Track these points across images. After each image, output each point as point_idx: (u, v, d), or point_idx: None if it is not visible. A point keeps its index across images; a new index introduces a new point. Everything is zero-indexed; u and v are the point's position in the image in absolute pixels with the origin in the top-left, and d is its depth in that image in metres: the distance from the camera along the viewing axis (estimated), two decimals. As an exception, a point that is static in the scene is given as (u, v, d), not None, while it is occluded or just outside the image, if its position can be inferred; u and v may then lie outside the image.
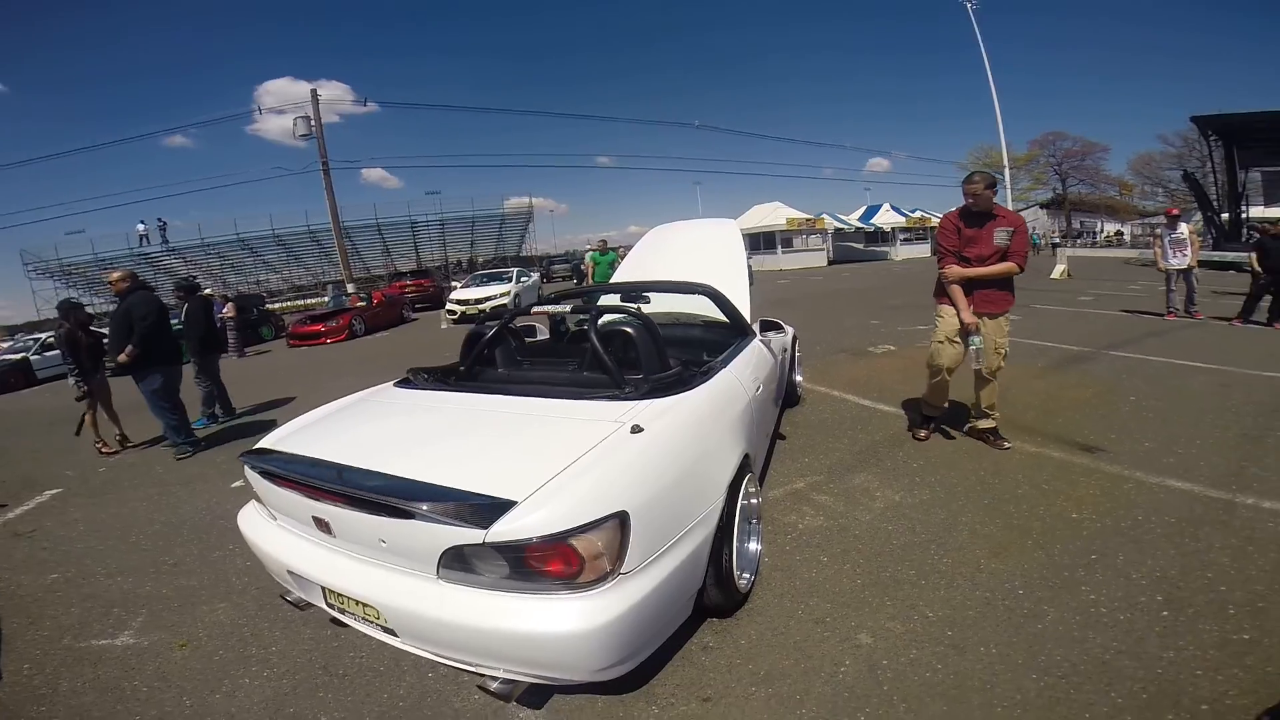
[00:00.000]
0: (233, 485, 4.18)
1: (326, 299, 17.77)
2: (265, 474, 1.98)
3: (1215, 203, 21.16)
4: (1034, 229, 23.67)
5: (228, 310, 11.65)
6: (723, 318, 3.46)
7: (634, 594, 1.57)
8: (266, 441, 2.20)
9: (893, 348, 7.57)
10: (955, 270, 3.59)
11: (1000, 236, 3.48)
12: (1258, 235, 8.97)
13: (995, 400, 3.81)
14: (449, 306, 14.67)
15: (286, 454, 2.05)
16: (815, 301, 14.12)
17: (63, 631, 2.60)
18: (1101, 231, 44.86)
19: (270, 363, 11.18)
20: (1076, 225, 43.81)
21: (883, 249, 32.50)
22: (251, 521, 2.18)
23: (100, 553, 3.38)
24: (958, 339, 3.67)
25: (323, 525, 1.80)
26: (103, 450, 5.40)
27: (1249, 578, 2.36)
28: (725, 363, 2.71)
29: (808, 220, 27.97)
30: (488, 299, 14.42)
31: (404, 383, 2.71)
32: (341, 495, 1.70)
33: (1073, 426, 4.27)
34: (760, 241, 26.93)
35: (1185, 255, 8.70)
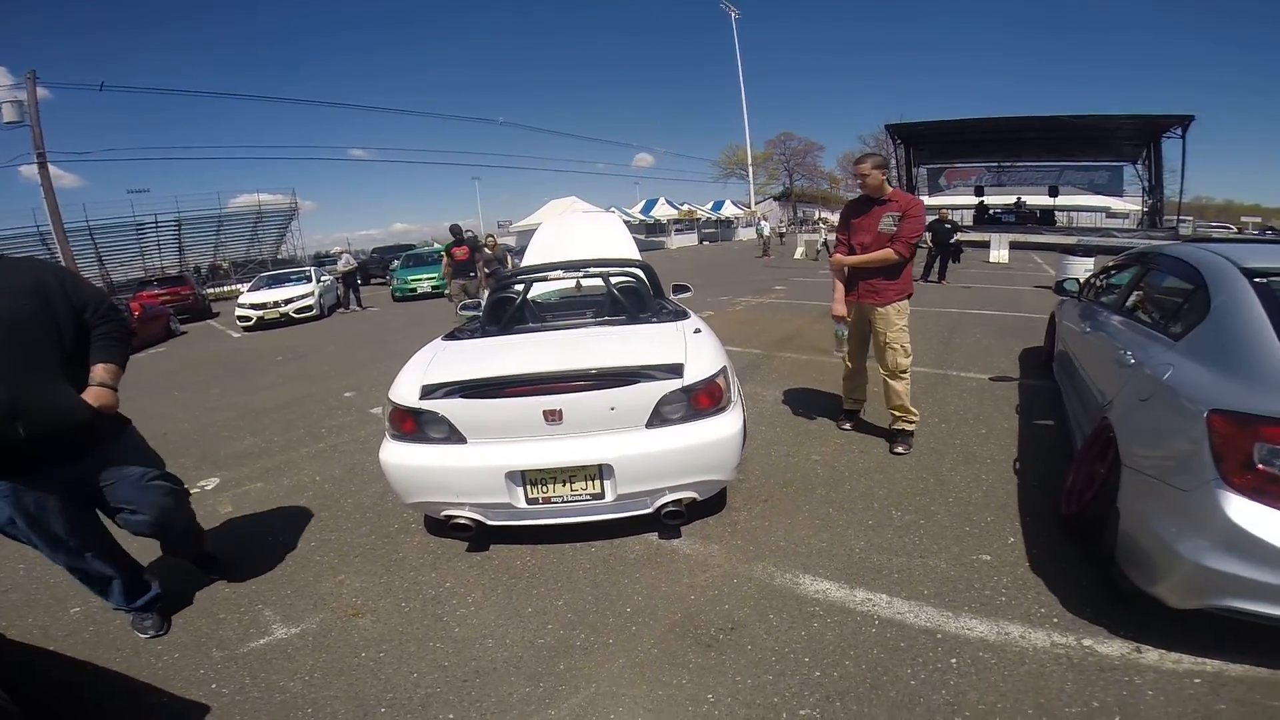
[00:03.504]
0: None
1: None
2: (477, 394, 2.39)
3: (895, 194, 28.27)
4: (763, 219, 28.62)
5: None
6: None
7: (740, 412, 2.62)
8: (426, 379, 2.49)
9: (712, 313, 9.45)
10: (836, 259, 3.54)
11: (886, 222, 3.30)
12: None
13: (904, 402, 3.53)
14: (241, 313, 13.04)
15: (482, 377, 2.46)
16: (626, 285, 15.91)
17: (194, 648, 2.27)
18: (818, 220, 55.25)
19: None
20: (800, 215, 53.32)
21: (660, 239, 36.19)
22: (425, 454, 2.44)
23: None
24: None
25: (553, 415, 2.35)
26: None
27: (968, 406, 4.41)
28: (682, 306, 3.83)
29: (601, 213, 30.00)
30: (289, 300, 13.20)
31: (453, 336, 3.24)
32: (586, 379, 2.37)
33: (853, 348, 6.37)
34: (557, 233, 28.04)
35: None
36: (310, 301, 13.50)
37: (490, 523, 2.56)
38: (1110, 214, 29.45)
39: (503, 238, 28.79)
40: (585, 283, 4.38)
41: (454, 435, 2.46)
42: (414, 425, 2.49)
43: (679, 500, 2.54)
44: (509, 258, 9.28)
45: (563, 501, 2.47)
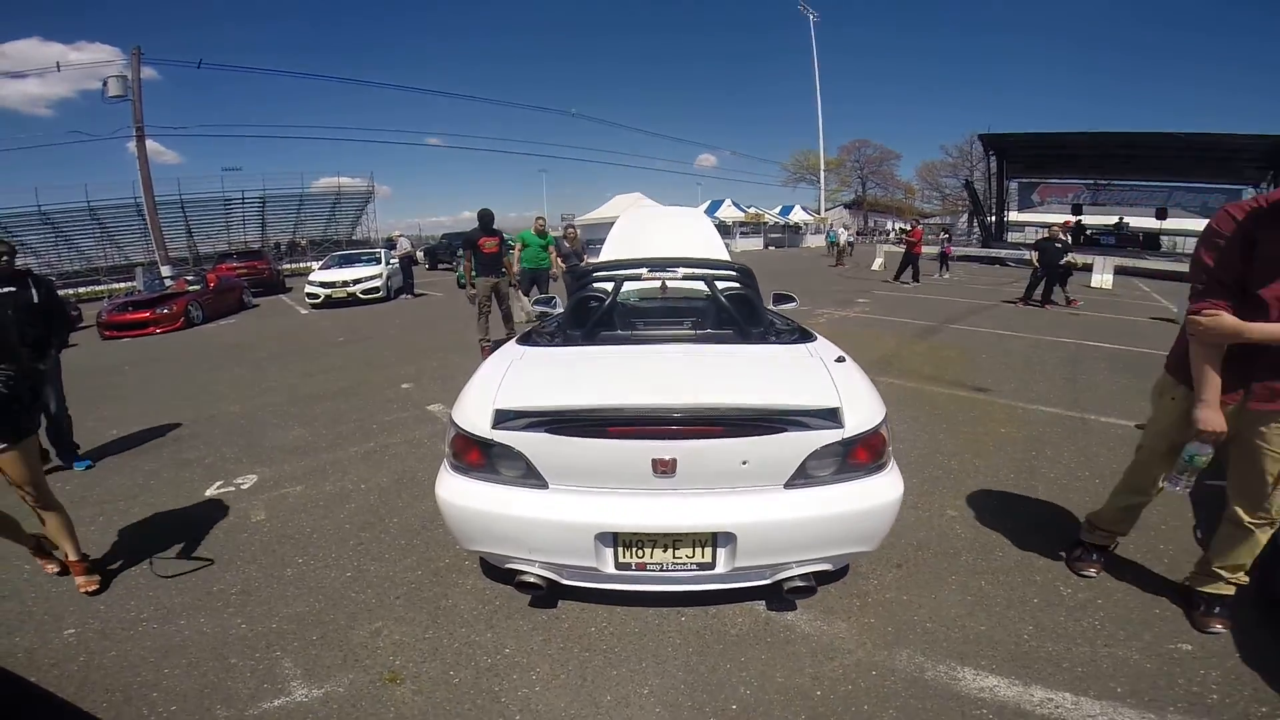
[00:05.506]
0: (208, 493, 3.40)
1: (135, 283, 14.83)
2: (568, 430, 1.84)
3: (986, 207, 26.65)
4: (842, 226, 27.49)
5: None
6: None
7: (899, 471, 2.06)
8: (501, 402, 1.95)
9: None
10: (1226, 323, 1.82)
11: None
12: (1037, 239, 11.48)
13: (1249, 560, 2.11)
14: (310, 290, 13.24)
15: (577, 407, 1.91)
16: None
17: (197, 700, 1.87)
18: (891, 230, 52.90)
19: (89, 361, 8.39)
20: (871, 224, 51.13)
21: (724, 241, 35.26)
22: (494, 496, 1.92)
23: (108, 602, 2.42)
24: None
25: (664, 466, 1.83)
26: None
27: (1120, 459, 3.45)
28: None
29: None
30: (358, 281, 13.29)
31: (530, 340, 2.72)
32: (715, 424, 1.82)
33: (959, 375, 5.60)
34: (623, 230, 27.70)
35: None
36: (377, 283, 13.52)
37: (564, 582, 2.06)
38: (1222, 241, 26.70)
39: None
40: (671, 284, 3.84)
41: (531, 476, 1.94)
42: (482, 458, 1.98)
43: (807, 574, 1.99)
44: (586, 254, 8.48)
45: (660, 570, 1.93)
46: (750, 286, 3.03)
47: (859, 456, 1.93)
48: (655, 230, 4.93)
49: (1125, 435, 4.06)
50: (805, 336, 2.66)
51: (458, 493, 1.98)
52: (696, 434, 1.84)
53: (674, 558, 1.91)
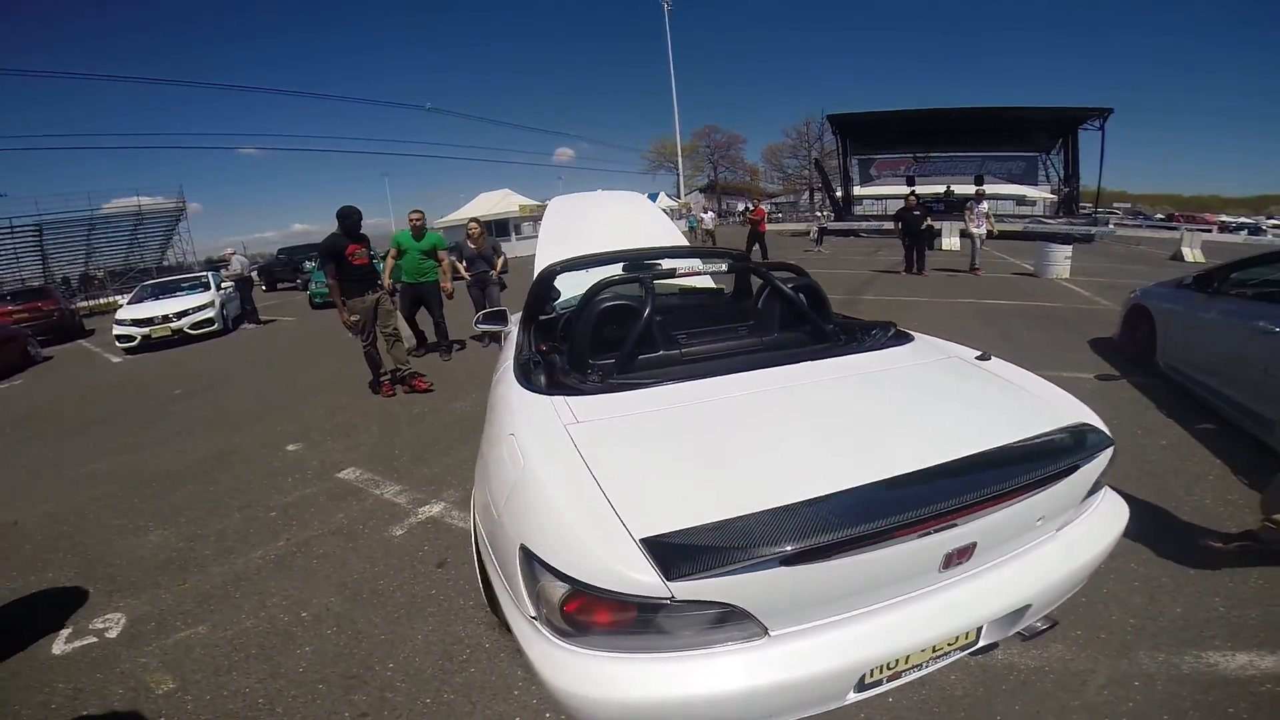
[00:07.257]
0: (57, 650, 2.28)
1: None
2: (817, 554, 1.14)
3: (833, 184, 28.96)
4: (706, 210, 28.67)
5: None
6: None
7: None
8: (650, 525, 1.16)
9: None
10: None
11: None
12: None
13: None
14: (121, 331, 10.50)
15: (783, 506, 1.20)
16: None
17: None
18: (742, 211, 55.61)
19: None
20: (724, 206, 53.32)
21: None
22: (687, 678, 1.18)
23: None
24: None
25: (961, 555, 1.33)
26: None
27: (1110, 412, 3.66)
28: None
29: (538, 206, 28.73)
30: (184, 313, 10.81)
31: (541, 384, 1.86)
32: (1017, 491, 1.31)
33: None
34: (493, 228, 26.44)
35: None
36: (210, 313, 11.13)
37: None
38: (1021, 202, 31.24)
39: (426, 236, 26.68)
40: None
41: (734, 622, 1.21)
42: (630, 616, 1.18)
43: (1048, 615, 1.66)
44: (499, 256, 7.14)
45: (918, 669, 1.40)
46: (806, 275, 2.51)
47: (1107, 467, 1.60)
48: (602, 219, 4.22)
49: (1094, 389, 4.33)
50: (902, 334, 2.24)
51: (607, 683, 1.17)
52: (995, 501, 1.30)
53: (933, 654, 1.40)
